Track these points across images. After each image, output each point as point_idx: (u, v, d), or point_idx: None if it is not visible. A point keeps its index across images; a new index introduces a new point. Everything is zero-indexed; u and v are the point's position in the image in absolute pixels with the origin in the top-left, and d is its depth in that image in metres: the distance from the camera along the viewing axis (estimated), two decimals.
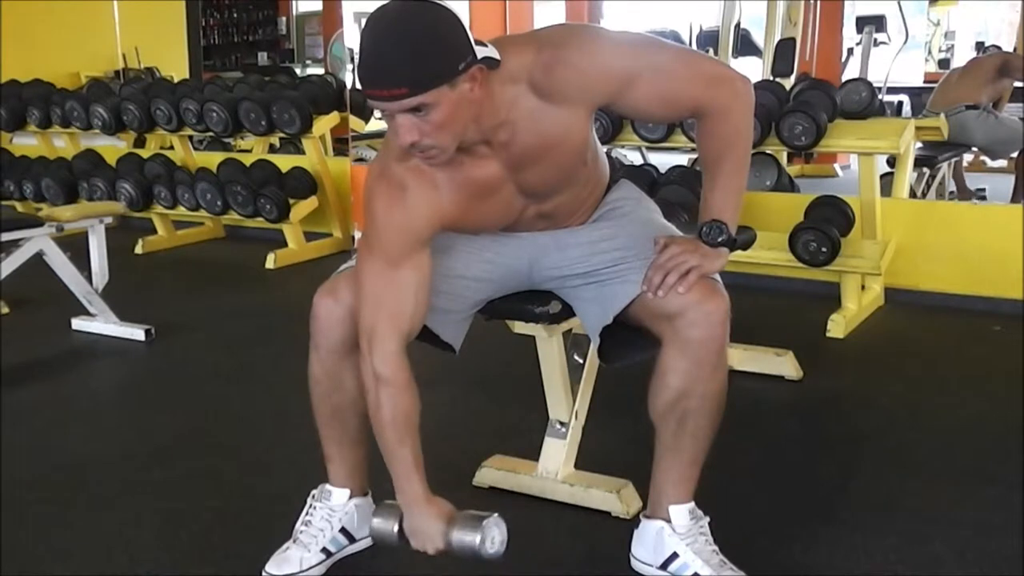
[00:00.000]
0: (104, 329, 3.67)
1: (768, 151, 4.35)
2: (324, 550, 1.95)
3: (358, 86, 1.39)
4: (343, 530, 1.98)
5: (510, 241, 1.94)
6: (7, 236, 3.36)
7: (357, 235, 4.76)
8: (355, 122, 5.41)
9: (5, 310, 3.89)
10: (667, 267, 1.74)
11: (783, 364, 3.07)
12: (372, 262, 1.75)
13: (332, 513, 1.97)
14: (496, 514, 1.73)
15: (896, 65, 6.87)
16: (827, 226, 3.62)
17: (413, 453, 1.77)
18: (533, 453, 2.29)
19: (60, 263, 3.51)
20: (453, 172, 1.73)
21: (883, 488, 2.35)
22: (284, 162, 5.39)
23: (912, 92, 6.83)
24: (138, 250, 5.25)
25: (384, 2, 1.57)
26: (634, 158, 5.87)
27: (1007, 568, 1.98)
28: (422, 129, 1.57)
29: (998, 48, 6.85)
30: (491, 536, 1.71)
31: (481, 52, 1.59)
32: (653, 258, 1.78)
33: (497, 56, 1.62)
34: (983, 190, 5.47)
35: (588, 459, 2.27)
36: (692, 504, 1.89)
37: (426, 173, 1.72)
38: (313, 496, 2.01)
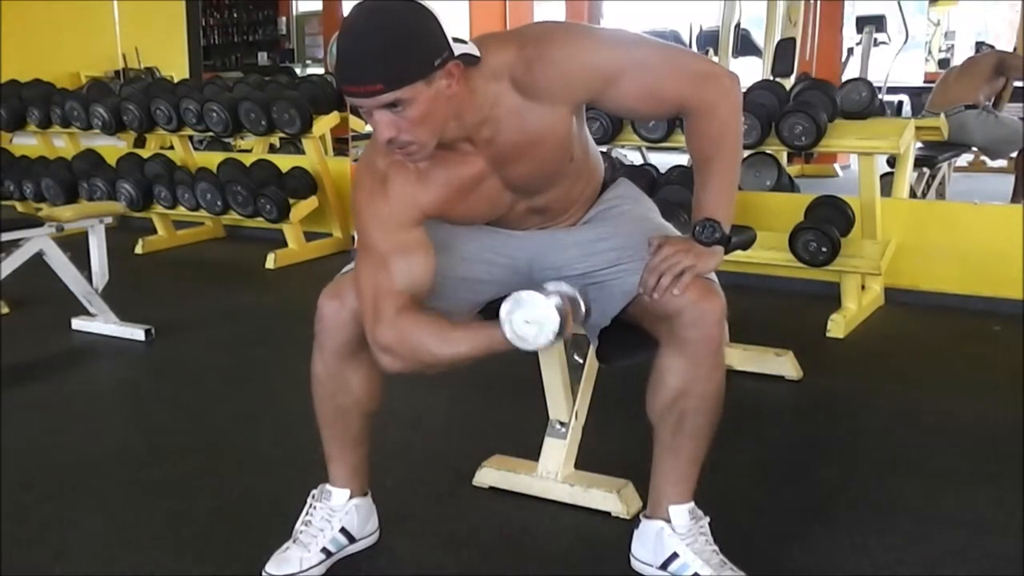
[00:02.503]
0: (104, 329, 3.67)
1: (768, 151, 4.35)
2: (324, 550, 1.95)
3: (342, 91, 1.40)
4: (343, 530, 1.98)
5: (509, 241, 1.94)
6: (7, 236, 3.36)
7: (357, 235, 4.76)
8: (355, 122, 5.40)
9: (5, 310, 3.89)
10: (661, 269, 1.74)
11: (783, 364, 3.07)
12: (367, 258, 1.76)
13: (332, 513, 1.97)
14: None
15: (896, 65, 6.88)
16: (827, 226, 3.62)
17: (471, 325, 1.76)
18: (533, 453, 2.28)
19: (60, 263, 3.51)
20: (437, 168, 1.73)
21: (883, 488, 2.35)
22: (284, 162, 5.39)
23: (912, 92, 6.84)
24: (138, 250, 5.24)
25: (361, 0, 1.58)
26: (634, 158, 5.88)
27: (1007, 568, 1.98)
28: (399, 125, 1.58)
29: (992, 47, 6.87)
30: (514, 305, 1.62)
31: (459, 49, 1.59)
32: (648, 259, 1.78)
33: (476, 52, 1.63)
34: None
35: (588, 459, 2.27)
36: (692, 504, 1.89)
37: (409, 168, 1.73)
38: (313, 496, 2.00)
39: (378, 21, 1.54)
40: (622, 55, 1.71)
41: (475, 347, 1.72)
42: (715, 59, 6.19)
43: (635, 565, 1.94)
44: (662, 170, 4.08)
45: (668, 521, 1.88)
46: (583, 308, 1.70)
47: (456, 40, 1.59)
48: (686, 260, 1.74)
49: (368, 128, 5.46)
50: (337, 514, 1.97)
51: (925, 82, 7.39)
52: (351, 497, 1.99)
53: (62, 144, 6.14)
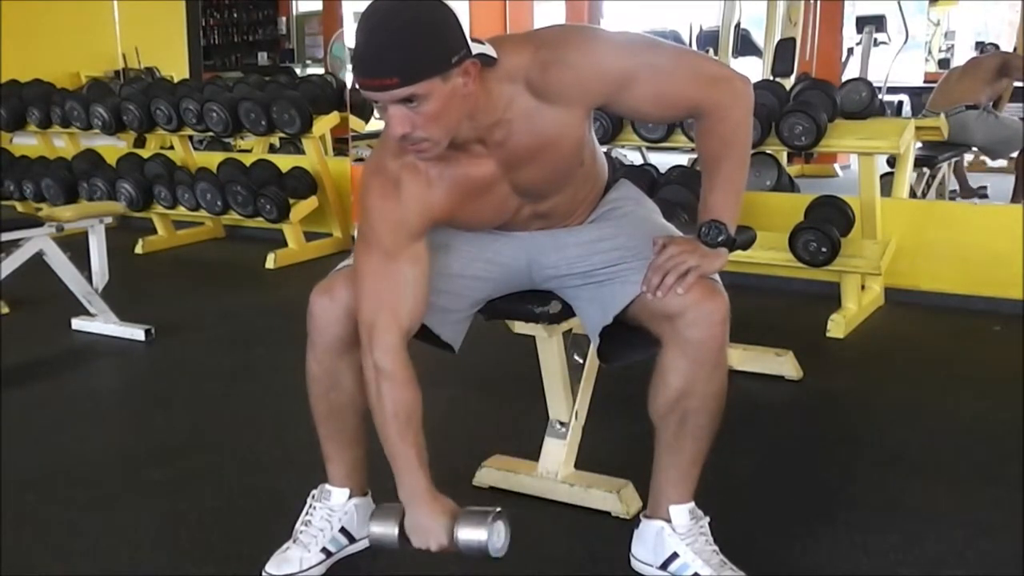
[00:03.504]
0: (104, 329, 3.67)
1: (768, 151, 4.35)
2: (324, 550, 1.95)
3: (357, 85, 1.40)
4: (343, 530, 1.98)
5: (509, 240, 1.94)
6: (7, 236, 3.36)
7: (361, 235, 4.76)
8: (355, 122, 5.41)
9: (5, 310, 3.89)
10: (666, 268, 1.74)
11: (783, 364, 3.07)
12: (369, 257, 1.76)
13: (332, 513, 1.97)
14: (499, 509, 1.72)
15: (896, 65, 6.86)
16: (827, 226, 3.62)
17: (416, 448, 1.76)
18: (533, 453, 2.28)
19: (60, 263, 3.51)
20: (447, 169, 1.73)
21: (883, 488, 2.35)
22: (284, 162, 5.39)
23: (912, 92, 6.83)
24: (138, 250, 5.25)
25: None
26: (634, 158, 5.87)
27: (1007, 568, 1.98)
28: (414, 121, 1.58)
29: (996, 47, 6.86)
30: (497, 531, 1.68)
31: (477, 49, 1.59)
32: (652, 259, 1.78)
33: (493, 54, 1.63)
34: (984, 187, 5.48)
35: (588, 459, 2.27)
36: (692, 504, 1.89)
37: (420, 169, 1.73)
38: (313, 496, 2.01)
39: (397, 16, 1.54)
40: (637, 59, 1.71)
41: (397, 462, 1.76)
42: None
43: (635, 565, 1.94)
44: (662, 170, 4.07)
45: (668, 521, 1.88)
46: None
47: (474, 40, 1.60)
48: (691, 260, 1.74)
49: (368, 128, 5.47)
50: (337, 514, 1.97)
51: (925, 82, 7.36)
52: (351, 496, 1.99)
53: (62, 144, 6.14)
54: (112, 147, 6.02)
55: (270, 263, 4.87)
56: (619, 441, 2.49)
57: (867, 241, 3.71)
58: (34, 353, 3.49)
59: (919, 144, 4.64)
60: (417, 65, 1.53)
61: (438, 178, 1.74)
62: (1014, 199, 5.11)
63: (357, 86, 1.60)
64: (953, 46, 8.63)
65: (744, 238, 1.97)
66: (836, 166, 7.14)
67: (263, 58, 10.93)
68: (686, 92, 1.74)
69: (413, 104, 1.56)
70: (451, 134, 1.64)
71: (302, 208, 5.11)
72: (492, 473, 2.32)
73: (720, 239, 1.76)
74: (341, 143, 5.69)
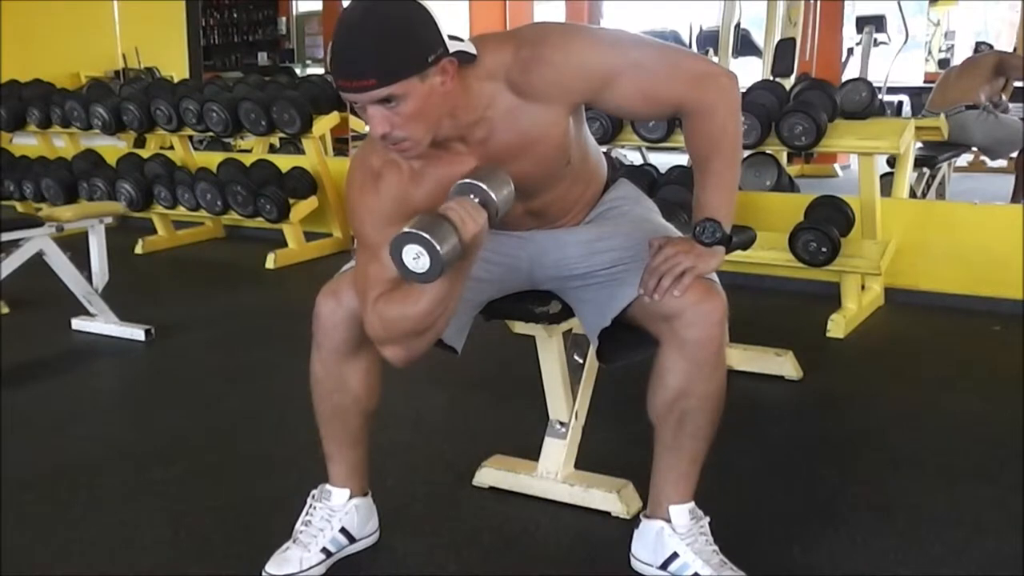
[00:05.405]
0: (104, 329, 3.67)
1: (768, 151, 4.35)
2: (324, 550, 1.95)
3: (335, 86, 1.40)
4: (343, 530, 1.98)
5: (509, 241, 1.94)
6: (7, 236, 3.36)
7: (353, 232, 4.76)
8: (355, 122, 5.41)
9: (5, 310, 3.89)
10: (662, 270, 1.74)
11: (783, 364, 3.07)
12: (361, 253, 1.77)
13: (332, 513, 1.97)
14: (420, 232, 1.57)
15: (896, 65, 6.88)
16: (827, 226, 3.62)
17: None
18: (533, 453, 2.28)
19: (60, 263, 3.51)
20: (430, 167, 1.74)
21: (883, 488, 2.35)
22: (284, 162, 5.39)
23: (912, 92, 6.84)
24: (138, 250, 5.24)
25: None
26: (634, 158, 5.87)
27: (1007, 568, 1.98)
28: (393, 121, 1.58)
29: (990, 47, 6.88)
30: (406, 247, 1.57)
31: (454, 46, 1.60)
32: (648, 260, 1.78)
33: (472, 51, 1.63)
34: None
35: (588, 459, 2.27)
36: (692, 504, 1.89)
37: (403, 166, 1.73)
38: (313, 496, 2.01)
39: (372, 17, 1.55)
40: (619, 56, 1.71)
41: (434, 291, 1.66)
42: (715, 59, 6.19)
43: (635, 565, 1.94)
44: (662, 170, 4.08)
45: (668, 521, 1.88)
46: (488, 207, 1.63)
47: (452, 38, 1.60)
48: (687, 261, 1.74)
49: (368, 128, 5.48)
50: (337, 514, 1.97)
51: (925, 82, 7.38)
52: (351, 497, 1.99)
53: (62, 144, 6.14)
54: (112, 147, 6.03)
55: (270, 263, 4.86)
56: (619, 441, 2.49)
57: (867, 241, 3.71)
58: (34, 353, 3.48)
59: (919, 144, 4.65)
60: (393, 66, 1.53)
61: (421, 175, 1.74)
62: (1014, 199, 5.12)
63: (337, 90, 1.59)
64: (953, 46, 8.64)
65: (743, 238, 1.97)
66: (836, 166, 7.15)
67: (263, 58, 10.94)
68: (670, 89, 1.74)
69: (391, 104, 1.56)
70: (432, 132, 1.64)
71: (302, 208, 5.11)
72: (492, 473, 2.32)
73: (717, 236, 1.76)
74: (341, 143, 5.69)
